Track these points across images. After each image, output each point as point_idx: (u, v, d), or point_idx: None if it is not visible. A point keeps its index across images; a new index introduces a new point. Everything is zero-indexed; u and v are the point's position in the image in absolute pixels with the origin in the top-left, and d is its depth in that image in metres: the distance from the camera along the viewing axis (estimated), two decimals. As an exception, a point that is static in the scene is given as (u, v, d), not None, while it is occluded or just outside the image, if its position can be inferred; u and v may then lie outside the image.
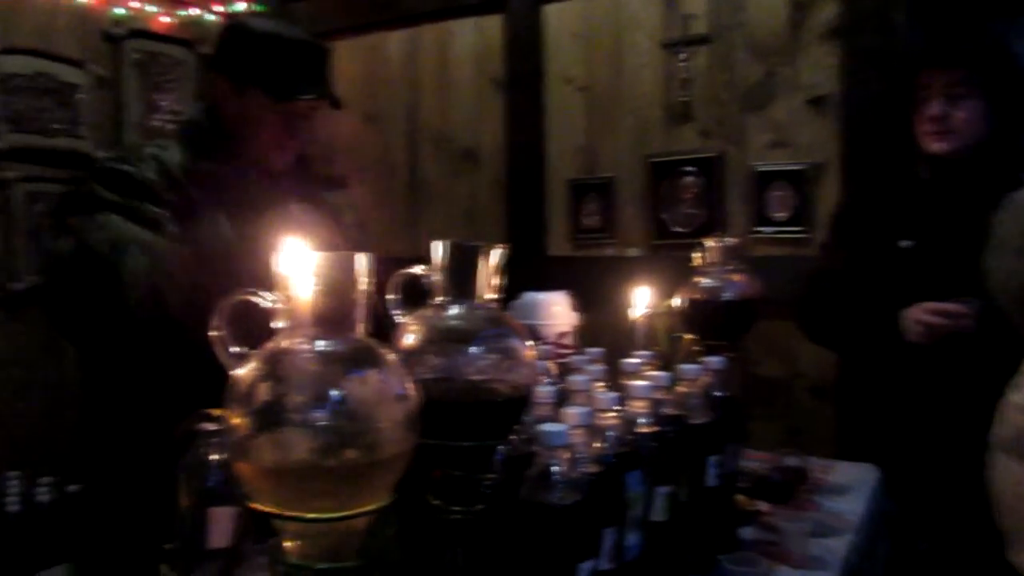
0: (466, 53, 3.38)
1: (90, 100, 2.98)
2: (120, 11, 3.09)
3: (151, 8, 3.21)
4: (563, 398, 1.21)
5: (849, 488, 1.66)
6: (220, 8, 3.38)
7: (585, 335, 2.16)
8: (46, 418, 2.87)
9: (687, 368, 1.27)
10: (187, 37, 3.32)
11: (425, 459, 0.73)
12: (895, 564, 1.68)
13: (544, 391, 1.08)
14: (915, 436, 1.82)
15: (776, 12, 2.74)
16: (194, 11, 3.34)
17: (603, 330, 2.76)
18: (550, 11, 3.16)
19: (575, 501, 0.88)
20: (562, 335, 1.78)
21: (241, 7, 3.43)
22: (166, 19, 3.26)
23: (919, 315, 1.73)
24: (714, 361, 1.35)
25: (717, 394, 1.33)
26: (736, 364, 1.55)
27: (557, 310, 1.79)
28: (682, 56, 2.90)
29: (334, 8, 3.64)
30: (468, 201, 3.39)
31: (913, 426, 1.83)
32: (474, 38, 3.35)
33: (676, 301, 1.53)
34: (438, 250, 0.74)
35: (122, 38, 3.09)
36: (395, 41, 3.54)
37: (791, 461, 1.55)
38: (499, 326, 0.74)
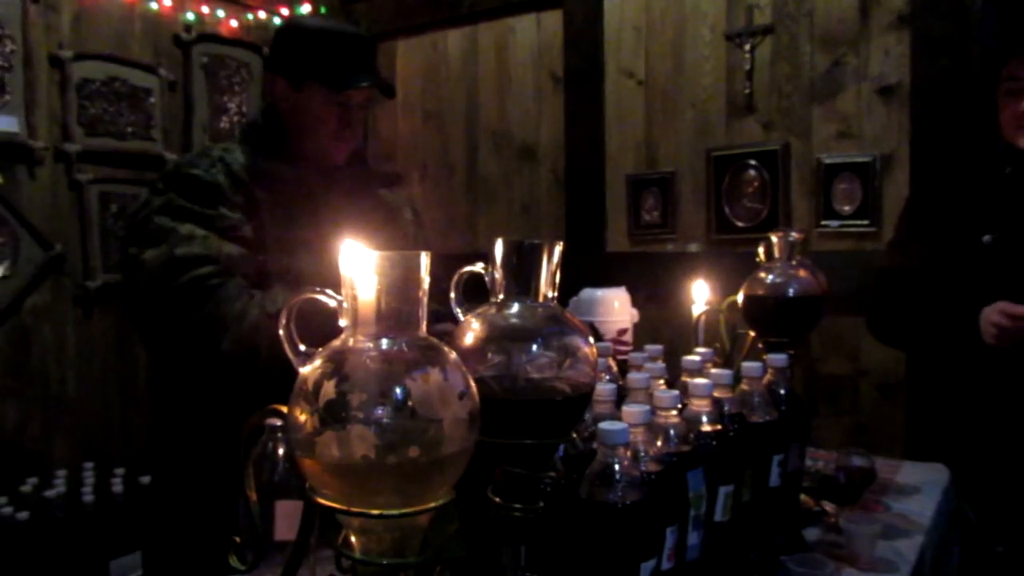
0: (525, 49, 3.38)
1: (161, 103, 3.08)
2: (190, 16, 3.19)
3: (219, 12, 3.30)
4: (623, 396, 1.21)
5: (918, 489, 1.61)
6: (285, 11, 3.46)
7: (645, 333, 2.15)
8: (120, 411, 2.99)
9: (749, 366, 1.25)
10: (253, 41, 3.40)
11: (486, 457, 0.74)
12: (970, 568, 1.63)
13: (604, 389, 1.08)
14: (988, 436, 1.76)
15: (843, 0, 2.66)
16: (261, 15, 3.42)
17: (664, 326, 2.78)
18: (610, 5, 3.14)
19: (636, 500, 0.88)
20: (622, 331, 1.77)
21: (305, 9, 3.50)
22: (234, 23, 3.35)
23: (994, 317, 1.69)
24: (777, 359, 1.33)
25: (780, 392, 1.31)
26: (799, 362, 1.51)
27: (617, 306, 1.77)
28: (746, 47, 2.84)
29: (394, 8, 3.68)
30: (527, 197, 3.40)
31: (986, 426, 1.77)
32: (533, 34, 3.35)
33: (739, 297, 1.51)
34: (498, 248, 0.75)
35: (191, 42, 3.19)
36: (454, 39, 3.57)
37: (858, 461, 1.51)
38: (559, 324, 0.74)
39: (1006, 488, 1.73)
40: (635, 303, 1.93)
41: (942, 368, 1.93)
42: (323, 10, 3.58)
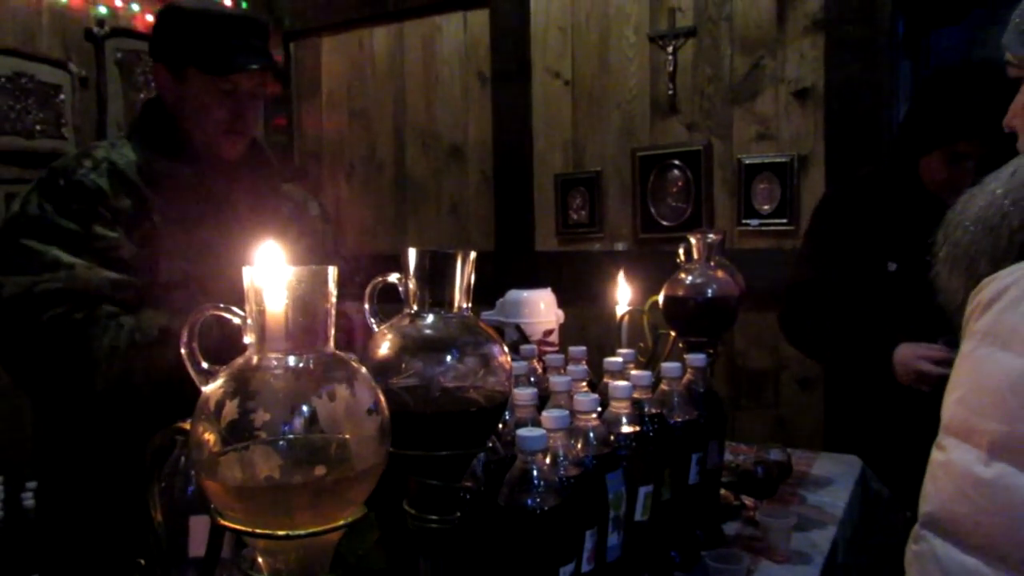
0: (452, 48, 3.37)
1: (72, 100, 2.96)
2: (102, 10, 3.07)
3: (134, 7, 3.19)
4: (546, 400, 1.22)
5: (832, 480, 1.67)
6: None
7: (573, 331, 2.17)
8: (31, 422, 2.86)
9: (668, 367, 1.27)
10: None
11: (401, 469, 0.73)
12: (890, 553, 1.69)
13: (525, 394, 1.08)
14: (897, 428, 1.84)
15: (761, 5, 2.74)
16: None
17: (592, 325, 2.81)
18: (537, 5, 3.15)
19: (554, 505, 0.89)
20: (548, 332, 1.78)
21: (226, 2, 3.41)
22: (149, 17, 3.24)
23: (912, 363, 1.78)
24: (696, 358, 1.36)
25: (699, 391, 1.34)
26: (719, 360, 1.55)
27: (542, 307, 1.79)
28: (668, 49, 2.90)
29: (318, 4, 3.62)
30: (455, 197, 3.39)
31: (894, 418, 1.86)
32: (460, 33, 3.35)
33: (660, 298, 1.54)
34: (411, 257, 0.74)
35: (104, 37, 3.07)
36: (380, 36, 3.53)
37: (774, 455, 1.55)
38: (473, 334, 0.74)
39: (915, 468, 1.82)
40: (564, 302, 1.94)
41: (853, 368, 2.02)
42: (243, 4, 3.50)
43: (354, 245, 3.39)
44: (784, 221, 2.70)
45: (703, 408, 1.30)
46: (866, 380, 1.96)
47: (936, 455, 0.75)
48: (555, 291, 1.99)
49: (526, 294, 1.79)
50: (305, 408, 0.56)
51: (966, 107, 1.78)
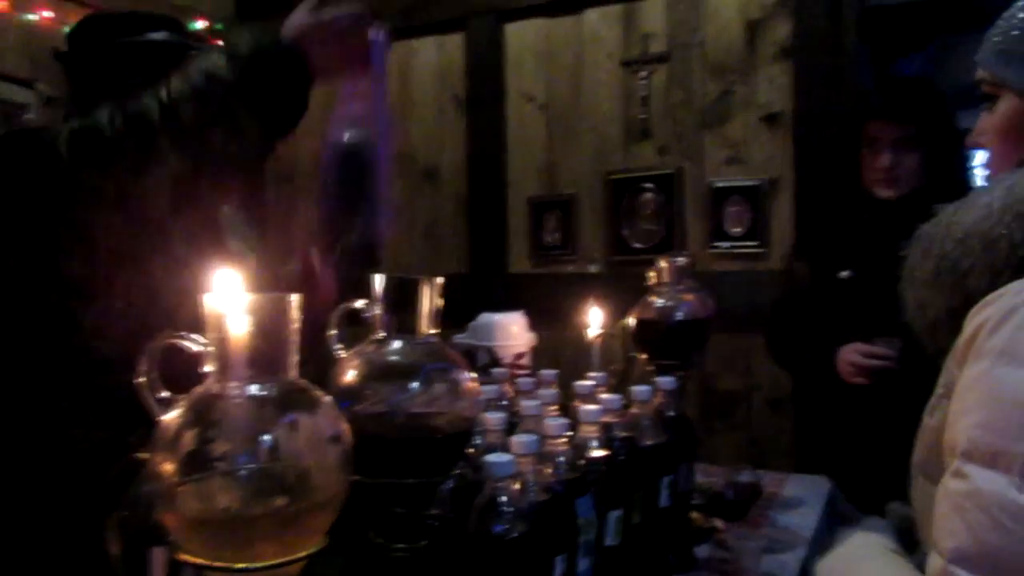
0: (427, 71, 3.38)
1: (39, 120, 2.93)
2: (70, 28, 3.05)
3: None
4: (515, 424, 1.22)
5: (802, 502, 1.68)
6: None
7: (546, 353, 2.17)
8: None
9: (638, 390, 1.28)
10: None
11: (367, 497, 0.73)
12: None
13: (494, 418, 1.08)
14: (864, 449, 1.86)
15: (732, 32, 2.79)
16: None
17: (565, 347, 2.80)
18: (511, 30, 3.18)
19: (523, 531, 0.88)
20: (519, 355, 1.78)
21: (200, 26, 3.40)
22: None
23: (849, 356, 1.87)
24: (666, 381, 1.36)
25: (669, 414, 1.34)
26: (689, 383, 1.57)
27: (514, 330, 1.79)
28: (641, 74, 2.93)
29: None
30: (429, 219, 3.39)
31: (862, 440, 1.88)
32: (436, 56, 3.36)
33: (630, 320, 1.54)
34: (377, 283, 0.74)
35: (75, 57, 3.04)
36: (355, 59, 3.54)
37: (745, 476, 1.57)
38: (440, 360, 0.74)
39: (885, 489, 1.83)
40: (537, 324, 1.95)
41: (821, 385, 2.05)
42: (219, 26, 3.49)
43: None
44: (755, 244, 2.73)
45: (673, 431, 1.30)
46: (835, 400, 1.99)
47: (956, 485, 0.72)
48: (529, 313, 1.99)
49: (498, 317, 1.79)
50: (266, 438, 0.55)
51: (874, 92, 2.04)
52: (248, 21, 3.56)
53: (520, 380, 1.40)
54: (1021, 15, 0.90)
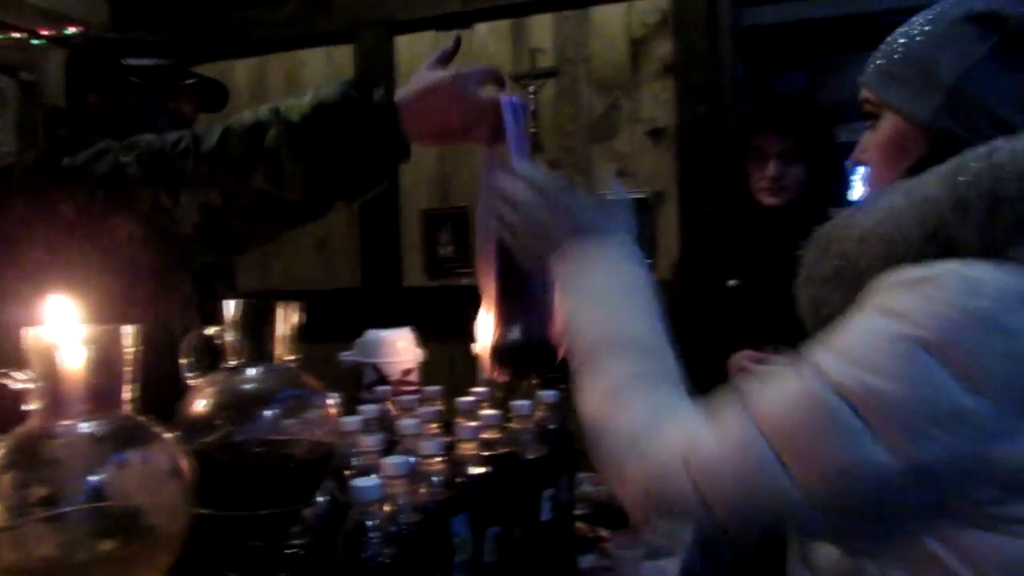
0: (317, 83, 3.31)
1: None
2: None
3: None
4: (396, 443, 1.21)
5: (686, 508, 1.72)
6: (47, 33, 3.18)
7: (441, 368, 2.16)
8: None
9: (518, 405, 1.28)
10: (10, 63, 3.09)
11: (220, 532, 0.70)
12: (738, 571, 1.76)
13: (370, 440, 1.07)
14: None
15: (617, 49, 2.86)
16: (17, 35, 3.12)
17: (460, 362, 2.79)
18: (401, 42, 3.16)
19: (394, 554, 0.87)
20: (407, 372, 1.77)
21: (72, 32, 3.24)
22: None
23: (741, 363, 1.93)
24: (548, 395, 1.37)
25: (551, 427, 1.35)
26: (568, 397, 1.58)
27: (401, 346, 1.77)
28: (530, 89, 2.97)
29: (176, 36, 3.50)
30: (321, 233, 3.32)
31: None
32: (325, 68, 3.31)
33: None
34: (229, 309, 0.72)
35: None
36: (242, 70, 3.44)
37: (629, 486, 1.59)
38: (295, 387, 0.73)
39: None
40: (433, 338, 1.93)
41: (716, 391, 2.13)
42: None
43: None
44: (643, 255, 2.80)
45: (554, 444, 1.32)
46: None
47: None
48: (424, 327, 1.98)
49: (384, 333, 1.77)
50: (92, 478, 0.53)
51: (758, 107, 2.16)
52: (123, 28, 3.42)
53: (403, 398, 1.38)
54: (903, 40, 0.96)
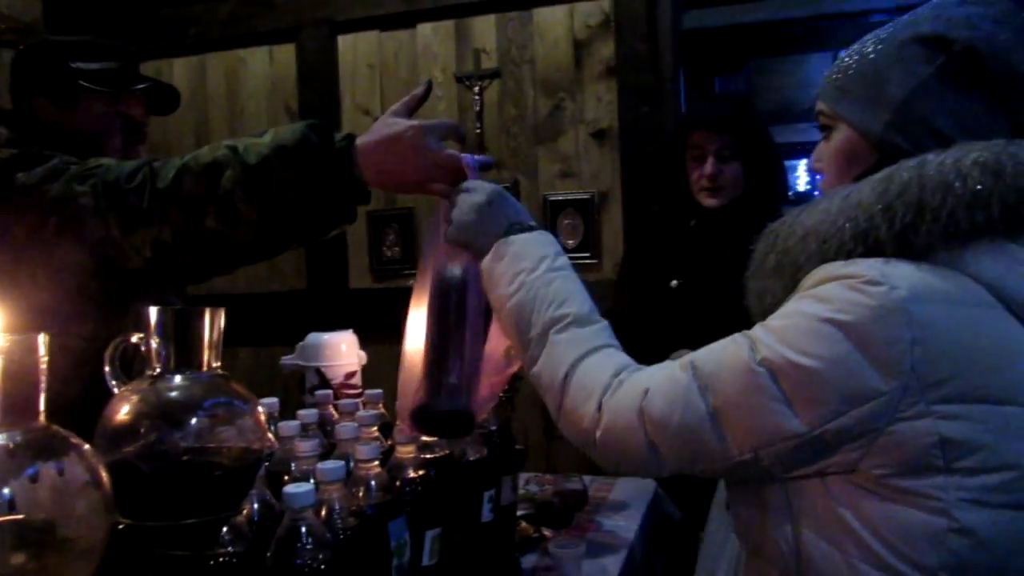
0: (258, 82, 3.28)
1: None
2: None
3: None
4: (333, 448, 1.20)
5: (627, 505, 1.75)
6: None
7: (388, 370, 2.14)
8: None
9: (458, 407, 1.28)
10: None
11: (144, 541, 0.69)
12: (675, 567, 1.79)
13: (306, 445, 1.06)
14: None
15: (560, 50, 2.88)
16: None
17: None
18: (344, 42, 3.14)
19: (328, 560, 0.86)
20: (350, 375, 1.76)
21: None
22: None
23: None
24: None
25: (492, 428, 1.36)
26: (529, 392, 1.59)
27: (344, 349, 1.75)
28: (475, 90, 2.97)
29: (112, 34, 3.41)
30: (265, 234, 3.28)
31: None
32: (266, 66, 3.26)
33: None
34: (152, 316, 0.71)
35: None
36: (180, 68, 3.37)
37: (571, 484, 1.61)
38: (222, 394, 0.72)
39: (705, 489, 1.95)
40: (379, 340, 1.91)
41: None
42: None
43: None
44: (587, 255, 2.83)
45: (496, 445, 1.32)
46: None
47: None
48: (371, 329, 1.96)
49: (326, 336, 1.75)
50: (3, 491, 0.51)
51: (695, 105, 2.26)
52: (56, 25, 3.32)
53: (343, 402, 1.37)
54: (856, 57, 1.01)
